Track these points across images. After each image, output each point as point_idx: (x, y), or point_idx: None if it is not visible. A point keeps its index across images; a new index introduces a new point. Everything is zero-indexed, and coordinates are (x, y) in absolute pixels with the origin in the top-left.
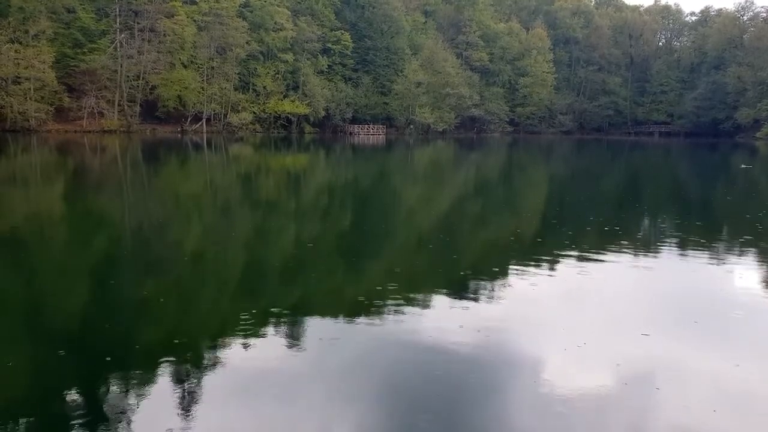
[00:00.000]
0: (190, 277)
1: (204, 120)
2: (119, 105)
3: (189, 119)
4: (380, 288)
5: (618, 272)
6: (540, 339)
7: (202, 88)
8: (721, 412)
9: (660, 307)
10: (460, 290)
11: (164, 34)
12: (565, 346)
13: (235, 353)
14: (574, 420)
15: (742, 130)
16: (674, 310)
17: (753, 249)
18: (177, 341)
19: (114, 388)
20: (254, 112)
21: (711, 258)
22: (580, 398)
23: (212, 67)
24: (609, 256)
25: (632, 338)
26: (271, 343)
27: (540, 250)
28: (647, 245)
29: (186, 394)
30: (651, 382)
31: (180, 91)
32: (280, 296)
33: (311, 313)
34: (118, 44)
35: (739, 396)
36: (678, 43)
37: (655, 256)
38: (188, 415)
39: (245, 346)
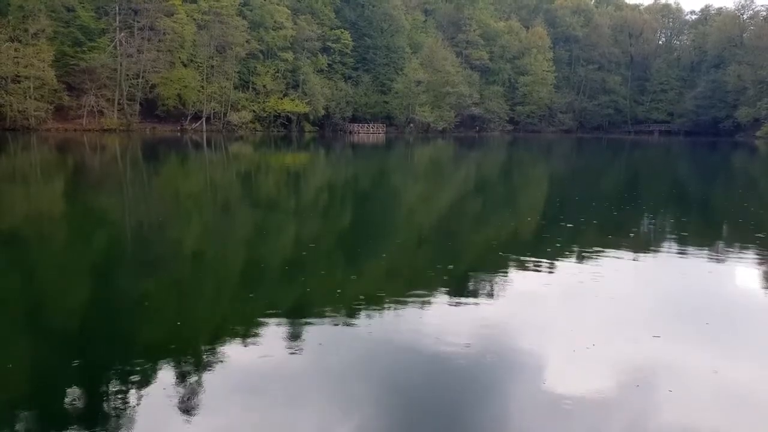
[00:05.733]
0: (190, 276)
1: (204, 119)
2: (119, 104)
3: (189, 118)
4: (381, 288)
5: (623, 272)
6: (547, 340)
7: (202, 86)
8: (734, 415)
9: (669, 309)
10: (462, 290)
11: (164, 33)
12: (573, 348)
13: (235, 353)
14: (584, 422)
15: (742, 128)
16: (684, 312)
17: (757, 247)
18: (177, 341)
19: (114, 388)
20: (254, 111)
21: (716, 257)
22: (591, 401)
23: (212, 66)
24: (613, 256)
25: (643, 340)
26: (272, 343)
27: (542, 249)
28: (651, 245)
29: (186, 394)
30: (663, 384)
31: (180, 89)
32: (282, 296)
33: (312, 313)
34: (118, 43)
35: (753, 399)
36: (678, 42)
37: (660, 256)
38: (188, 416)
39: (246, 346)
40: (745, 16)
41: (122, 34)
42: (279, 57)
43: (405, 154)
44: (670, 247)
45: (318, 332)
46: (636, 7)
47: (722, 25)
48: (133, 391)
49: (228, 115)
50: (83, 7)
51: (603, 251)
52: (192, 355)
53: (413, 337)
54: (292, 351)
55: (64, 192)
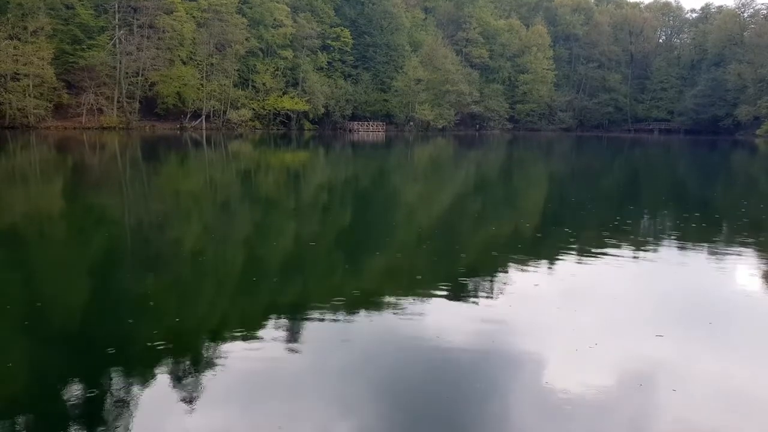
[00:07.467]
0: (191, 275)
1: (203, 117)
2: (118, 102)
3: (188, 116)
4: (381, 287)
5: (625, 271)
6: (549, 340)
7: (202, 84)
8: (738, 414)
9: (671, 308)
10: (463, 290)
11: (163, 31)
12: (575, 347)
13: (236, 352)
14: (587, 422)
15: (742, 127)
16: (686, 311)
17: (759, 247)
18: (177, 340)
19: (114, 388)
20: (253, 109)
21: (718, 257)
22: (594, 400)
23: (211, 64)
24: (614, 255)
25: (645, 339)
26: (272, 342)
27: (544, 249)
28: (652, 244)
29: (186, 393)
30: (667, 384)
31: (179, 87)
32: (282, 295)
33: (312, 312)
34: (117, 41)
35: (757, 399)
36: (678, 40)
37: (662, 255)
38: (188, 415)
39: (246, 345)
40: (745, 15)
41: (121, 32)
42: (279, 55)
43: (405, 152)
44: (671, 246)
45: (318, 332)
46: (636, 5)
47: (722, 23)
48: (133, 391)
49: (227, 113)
50: (82, 4)
51: (604, 251)
52: (192, 355)
53: (413, 337)
54: (292, 350)
55: (64, 191)
